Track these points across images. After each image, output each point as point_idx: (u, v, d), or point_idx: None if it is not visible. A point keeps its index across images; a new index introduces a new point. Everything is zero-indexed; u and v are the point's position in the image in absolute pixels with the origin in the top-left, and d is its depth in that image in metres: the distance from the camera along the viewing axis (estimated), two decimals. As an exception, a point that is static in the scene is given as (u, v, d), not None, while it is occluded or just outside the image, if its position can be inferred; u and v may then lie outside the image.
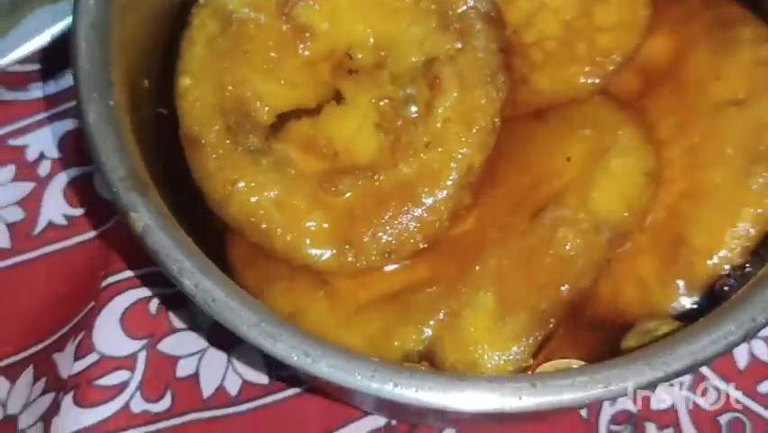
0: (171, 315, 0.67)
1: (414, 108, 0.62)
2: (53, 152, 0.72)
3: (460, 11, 0.64)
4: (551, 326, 0.58)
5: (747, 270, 0.57)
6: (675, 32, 0.67)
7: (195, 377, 0.65)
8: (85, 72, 0.54)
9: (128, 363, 0.66)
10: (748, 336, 0.49)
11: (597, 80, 0.65)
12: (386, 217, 0.60)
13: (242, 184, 0.60)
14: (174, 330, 0.67)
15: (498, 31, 0.64)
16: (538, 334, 0.57)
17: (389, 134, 0.61)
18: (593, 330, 0.60)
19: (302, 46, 0.64)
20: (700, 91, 0.63)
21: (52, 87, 0.74)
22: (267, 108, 0.62)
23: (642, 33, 0.66)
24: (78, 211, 0.71)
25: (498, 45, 0.63)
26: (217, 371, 0.66)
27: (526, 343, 0.57)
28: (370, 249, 0.60)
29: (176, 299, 0.67)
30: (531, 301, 0.58)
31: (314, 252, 0.59)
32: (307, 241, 0.59)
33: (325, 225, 0.59)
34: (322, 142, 0.61)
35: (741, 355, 0.65)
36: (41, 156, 0.72)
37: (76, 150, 0.72)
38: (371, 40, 0.64)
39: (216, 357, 0.66)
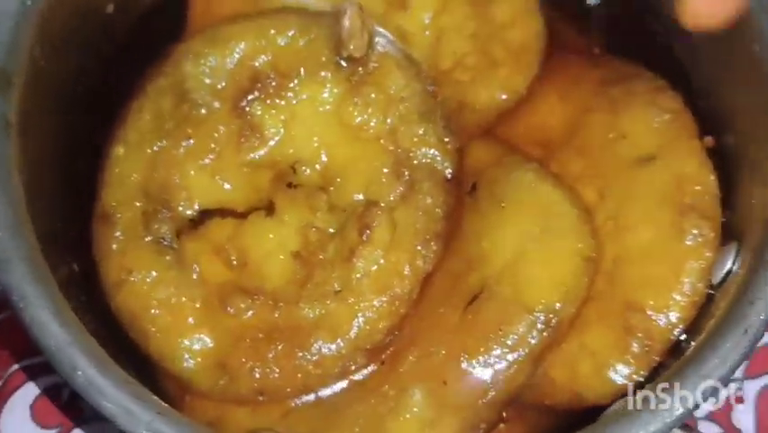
0: (84, 404, 0.63)
1: (337, 248, 0.58)
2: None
3: (416, 162, 0.60)
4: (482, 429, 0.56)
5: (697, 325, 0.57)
6: (564, 99, 0.65)
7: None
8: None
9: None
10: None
11: (529, 76, 0.64)
12: (270, 356, 0.56)
13: (136, 276, 0.57)
14: (86, 420, 0.67)
15: (448, 196, 0.60)
16: None
17: (304, 267, 0.58)
18: (554, 416, 0.59)
19: (248, 146, 0.60)
20: (609, 154, 0.62)
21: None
22: (192, 201, 0.59)
23: (539, 16, 0.65)
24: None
25: (443, 211, 0.59)
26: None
27: None
28: (243, 383, 0.57)
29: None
30: (462, 403, 0.56)
31: (188, 366, 0.57)
32: (186, 355, 0.57)
33: (210, 344, 0.57)
34: (236, 251, 0.58)
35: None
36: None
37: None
38: (322, 160, 0.60)
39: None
